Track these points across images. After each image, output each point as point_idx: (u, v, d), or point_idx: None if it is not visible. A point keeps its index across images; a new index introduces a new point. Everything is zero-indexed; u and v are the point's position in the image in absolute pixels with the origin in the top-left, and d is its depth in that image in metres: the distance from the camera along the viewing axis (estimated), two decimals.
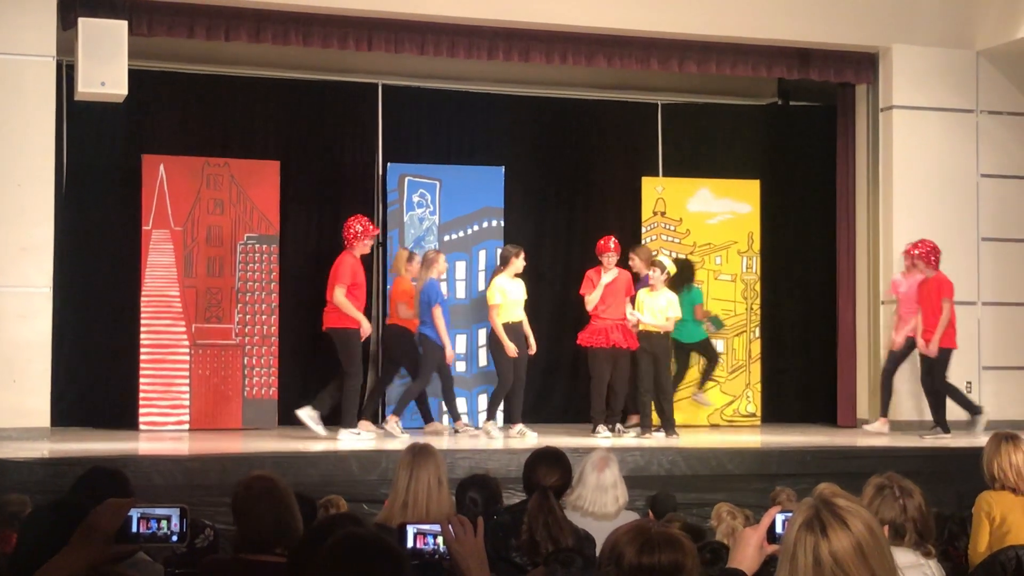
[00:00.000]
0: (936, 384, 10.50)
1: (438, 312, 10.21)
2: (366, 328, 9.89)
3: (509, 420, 10.45)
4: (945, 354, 10.41)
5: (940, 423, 10.42)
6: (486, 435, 10.12)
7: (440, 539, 3.01)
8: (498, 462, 8.21)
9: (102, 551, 2.61)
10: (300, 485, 6.68)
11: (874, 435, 10.59)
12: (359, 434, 9.68)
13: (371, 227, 10.08)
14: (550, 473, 5.09)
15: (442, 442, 9.28)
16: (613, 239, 10.48)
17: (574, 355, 11.55)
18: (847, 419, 11.85)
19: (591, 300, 10.36)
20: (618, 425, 10.33)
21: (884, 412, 10.85)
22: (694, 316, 11.25)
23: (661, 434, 10.21)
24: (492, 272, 10.91)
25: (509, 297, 10.31)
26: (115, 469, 4.80)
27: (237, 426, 10.71)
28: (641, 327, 10.31)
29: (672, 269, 10.55)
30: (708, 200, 12.18)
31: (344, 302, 9.74)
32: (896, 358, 10.90)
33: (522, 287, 10.45)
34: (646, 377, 10.39)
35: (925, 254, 10.49)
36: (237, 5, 10.16)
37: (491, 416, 10.35)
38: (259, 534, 3.80)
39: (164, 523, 2.67)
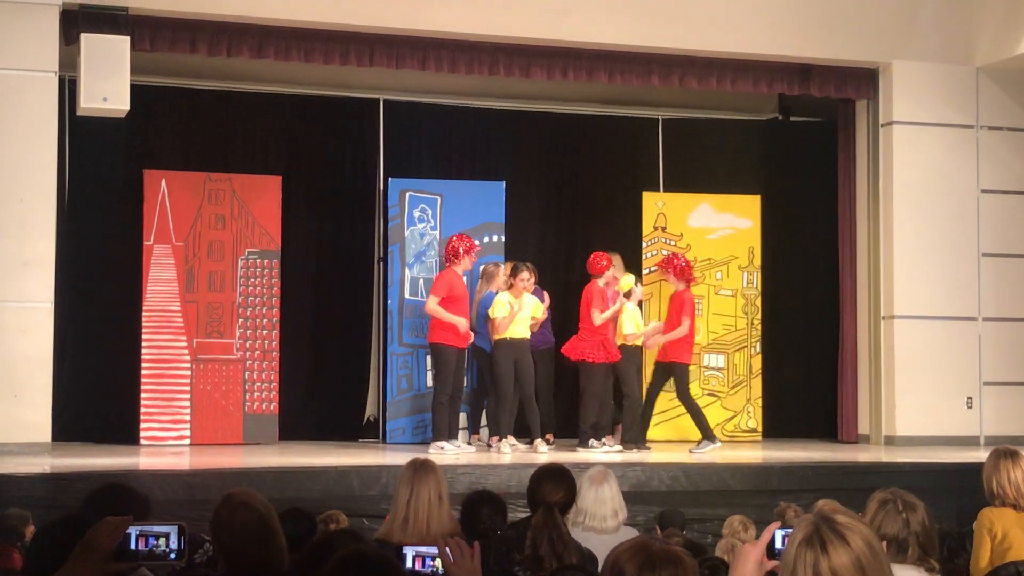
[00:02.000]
0: (650, 394, 10.57)
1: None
2: (462, 327, 9.93)
3: (495, 433, 10.44)
4: (680, 369, 10.43)
5: (707, 435, 10.37)
6: (497, 451, 10.09)
7: (438, 561, 3.01)
8: (498, 478, 8.21)
9: (100, 569, 2.61)
10: (301, 500, 6.70)
11: (854, 451, 10.44)
12: (443, 448, 9.74)
13: (473, 244, 10.23)
14: (555, 489, 5.11)
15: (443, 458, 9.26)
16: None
17: (574, 370, 11.50)
18: (848, 434, 11.84)
19: (602, 317, 10.30)
20: (605, 438, 10.34)
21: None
22: None
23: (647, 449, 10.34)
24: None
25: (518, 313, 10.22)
26: (128, 486, 4.72)
27: (238, 441, 10.71)
28: (631, 342, 10.40)
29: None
30: (709, 215, 12.19)
31: (436, 309, 9.95)
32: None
33: (531, 304, 10.37)
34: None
35: (679, 269, 10.51)
36: (239, 21, 10.18)
37: (498, 432, 10.30)
38: (243, 561, 3.67)
39: (162, 540, 2.68)
